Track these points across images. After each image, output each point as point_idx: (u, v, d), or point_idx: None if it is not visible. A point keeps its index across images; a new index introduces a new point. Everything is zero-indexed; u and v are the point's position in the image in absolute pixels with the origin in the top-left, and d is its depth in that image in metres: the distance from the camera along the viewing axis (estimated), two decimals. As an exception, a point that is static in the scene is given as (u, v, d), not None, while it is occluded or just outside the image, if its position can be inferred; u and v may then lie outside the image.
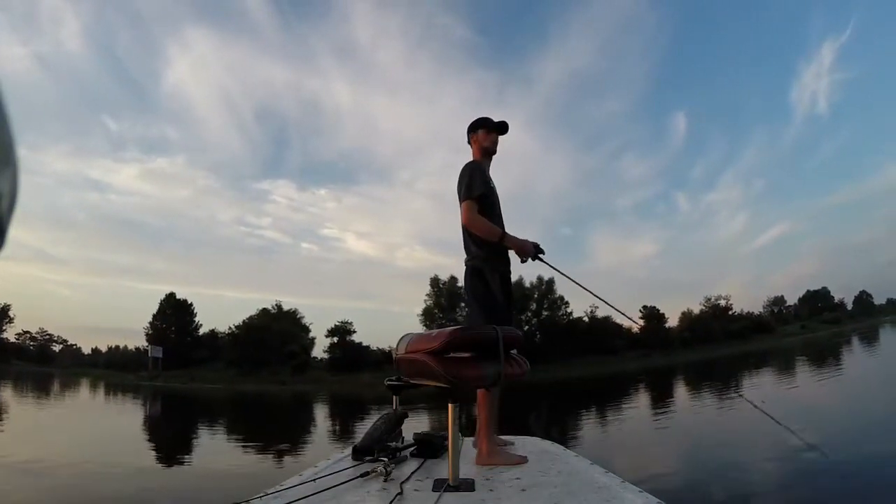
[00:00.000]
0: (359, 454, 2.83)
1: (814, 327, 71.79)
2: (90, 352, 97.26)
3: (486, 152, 3.49)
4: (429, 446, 2.92)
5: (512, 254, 3.40)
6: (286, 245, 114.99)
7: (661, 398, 21.36)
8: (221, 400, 35.55)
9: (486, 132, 3.48)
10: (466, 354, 2.49)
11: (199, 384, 51.05)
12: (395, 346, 2.79)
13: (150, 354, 61.17)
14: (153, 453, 12.89)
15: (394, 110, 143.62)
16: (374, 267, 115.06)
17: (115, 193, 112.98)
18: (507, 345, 2.54)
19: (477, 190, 3.23)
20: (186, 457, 11.92)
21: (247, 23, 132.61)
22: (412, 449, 2.99)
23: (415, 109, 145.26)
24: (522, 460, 2.67)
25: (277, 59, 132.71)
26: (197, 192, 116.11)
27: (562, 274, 3.48)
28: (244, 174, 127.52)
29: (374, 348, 62.09)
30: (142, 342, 68.55)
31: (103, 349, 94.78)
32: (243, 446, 13.61)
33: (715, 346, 58.43)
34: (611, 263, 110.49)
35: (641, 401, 21.60)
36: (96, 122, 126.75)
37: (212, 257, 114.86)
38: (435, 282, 66.26)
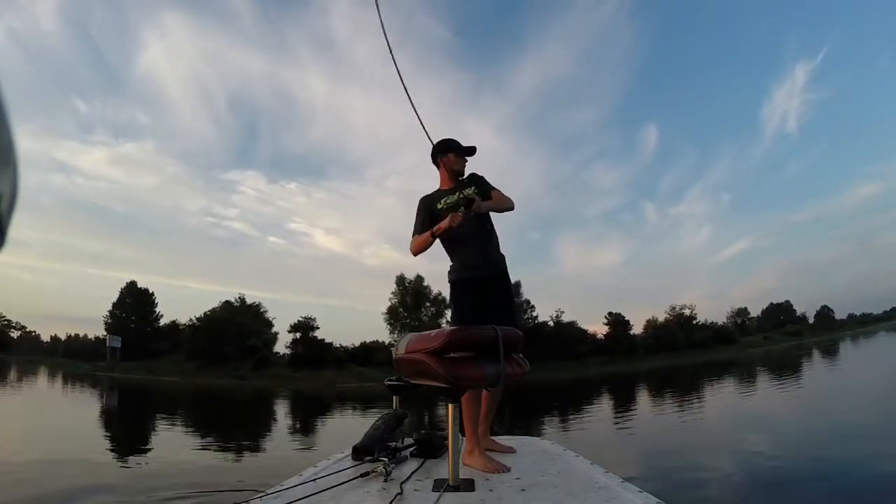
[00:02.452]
0: (359, 454, 2.82)
1: (776, 339, 73.78)
2: (49, 340, 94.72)
3: (454, 174, 3.56)
4: (429, 446, 2.92)
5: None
6: (253, 238, 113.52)
7: (637, 402, 21.72)
8: (179, 394, 34.71)
9: (456, 156, 3.56)
10: (466, 354, 2.47)
11: (156, 376, 49.88)
12: (395, 345, 2.77)
13: (108, 344, 59.71)
14: (105, 449, 12.48)
15: (367, 106, 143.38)
16: (340, 263, 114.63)
17: (81, 177, 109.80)
18: (508, 345, 2.53)
19: (416, 227, 3.46)
20: (141, 459, 11.45)
21: (224, 10, 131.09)
22: (412, 449, 2.98)
23: (388, 107, 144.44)
24: (503, 468, 2.64)
25: (253, 49, 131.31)
26: (165, 179, 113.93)
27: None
28: (213, 164, 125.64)
29: (337, 345, 61.77)
30: (102, 331, 66.85)
31: (63, 337, 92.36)
32: (202, 446, 13.24)
33: (678, 355, 59.51)
34: (577, 269, 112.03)
35: (634, 405, 21.78)
36: (66, 103, 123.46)
37: (177, 247, 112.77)
38: (401, 280, 66.08)
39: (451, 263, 3.45)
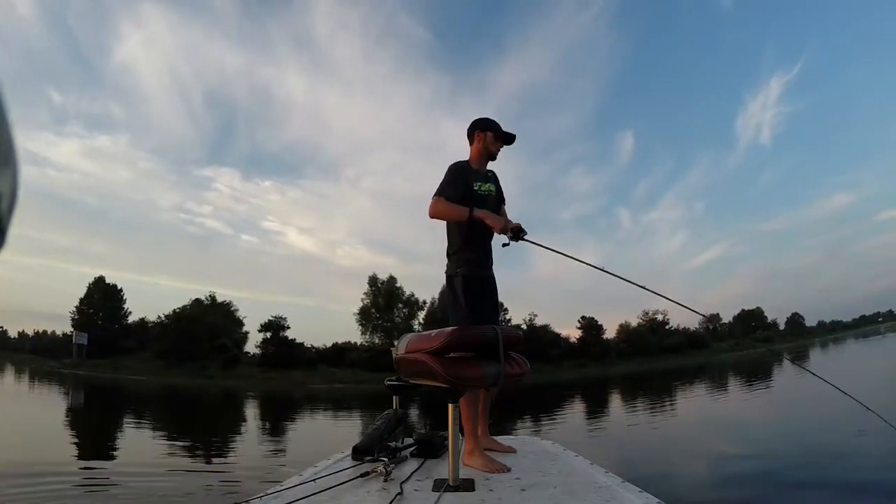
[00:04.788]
0: (359, 454, 2.81)
1: (747, 345, 74.77)
2: (17, 336, 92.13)
3: (488, 154, 3.46)
4: (429, 446, 2.91)
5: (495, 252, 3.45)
6: (226, 235, 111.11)
7: (619, 404, 21.99)
8: (147, 393, 34.02)
9: (494, 136, 3.44)
10: (466, 354, 2.46)
11: (123, 374, 48.93)
12: (395, 345, 2.76)
13: (74, 341, 58.30)
14: (77, 454, 12.16)
15: (345, 106, 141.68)
16: (313, 263, 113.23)
17: (53, 169, 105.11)
18: (507, 345, 2.52)
19: (450, 191, 3.21)
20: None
21: (204, 3, 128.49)
22: (412, 449, 2.97)
23: (366, 107, 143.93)
24: (503, 468, 2.63)
25: (232, 44, 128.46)
26: (138, 173, 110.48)
27: (560, 253, 3.36)
28: (188, 159, 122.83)
29: (308, 345, 61.34)
30: (70, 328, 64.98)
31: (31, 333, 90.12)
32: (171, 449, 12.91)
33: (651, 359, 60.25)
34: (551, 273, 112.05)
35: (617, 406, 21.94)
36: (40, 93, 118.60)
37: (149, 243, 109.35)
38: (373, 281, 65.83)
39: (455, 256, 3.32)
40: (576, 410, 21.16)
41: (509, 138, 3.50)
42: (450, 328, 2.52)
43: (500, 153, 3.52)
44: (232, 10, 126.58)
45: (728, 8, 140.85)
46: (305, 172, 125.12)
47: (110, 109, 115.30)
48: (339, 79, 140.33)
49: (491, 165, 3.58)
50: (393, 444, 2.91)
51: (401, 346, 2.65)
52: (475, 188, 3.30)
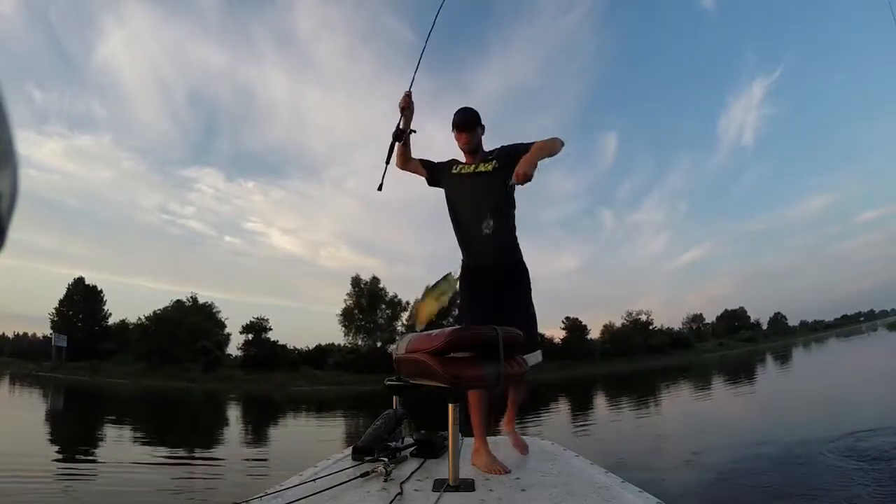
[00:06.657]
0: (359, 454, 2.80)
1: (730, 345, 75.72)
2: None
3: (464, 149, 3.43)
4: (429, 446, 2.91)
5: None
6: (208, 236, 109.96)
7: (612, 402, 22.05)
8: (127, 396, 33.44)
9: (456, 133, 3.40)
10: (467, 354, 2.46)
11: (102, 378, 48.08)
12: (395, 346, 2.75)
13: (53, 343, 57.31)
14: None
15: (329, 106, 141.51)
16: (296, 264, 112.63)
17: (34, 169, 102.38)
18: (508, 345, 2.51)
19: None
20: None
21: (187, 1, 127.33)
22: (412, 449, 2.98)
23: (350, 107, 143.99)
24: (504, 470, 2.63)
25: (215, 43, 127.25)
26: (120, 174, 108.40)
27: None
28: (170, 159, 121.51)
29: (291, 347, 61.11)
30: (49, 330, 63.81)
31: (11, 336, 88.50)
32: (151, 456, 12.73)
33: (635, 359, 60.73)
34: (534, 274, 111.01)
35: (611, 405, 22.00)
36: (20, 90, 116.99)
37: (131, 244, 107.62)
38: (356, 281, 65.48)
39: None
40: (564, 410, 21.23)
41: (454, 124, 3.39)
42: (449, 328, 2.51)
43: (484, 142, 3.46)
44: (214, 8, 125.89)
45: (711, 12, 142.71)
46: (289, 173, 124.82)
47: (92, 108, 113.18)
48: (322, 78, 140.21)
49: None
50: (393, 444, 2.91)
51: (401, 346, 2.64)
52: (454, 170, 3.37)
